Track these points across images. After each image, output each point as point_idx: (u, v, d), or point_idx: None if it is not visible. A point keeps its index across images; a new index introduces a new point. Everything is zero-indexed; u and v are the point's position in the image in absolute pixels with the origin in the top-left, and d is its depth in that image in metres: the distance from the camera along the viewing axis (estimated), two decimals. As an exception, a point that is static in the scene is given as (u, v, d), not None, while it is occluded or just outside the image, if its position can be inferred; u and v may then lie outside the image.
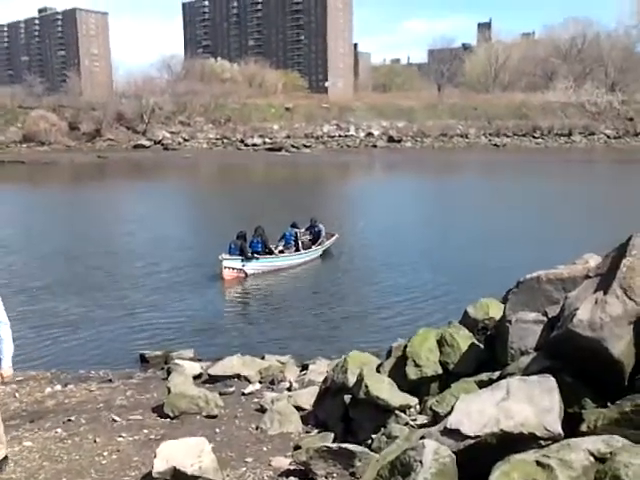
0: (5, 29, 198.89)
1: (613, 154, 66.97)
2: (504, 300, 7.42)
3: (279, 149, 74.02)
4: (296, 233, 17.78)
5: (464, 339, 5.49)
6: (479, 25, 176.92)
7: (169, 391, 7.06)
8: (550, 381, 3.76)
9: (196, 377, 9.45)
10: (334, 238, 18.96)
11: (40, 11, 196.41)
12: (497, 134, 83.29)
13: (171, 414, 6.73)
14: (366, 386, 5.26)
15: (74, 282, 15.62)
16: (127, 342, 11.55)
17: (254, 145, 78.07)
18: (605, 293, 3.93)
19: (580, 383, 3.89)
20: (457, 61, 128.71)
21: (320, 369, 9.14)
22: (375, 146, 79.40)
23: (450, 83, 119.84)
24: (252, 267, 16.13)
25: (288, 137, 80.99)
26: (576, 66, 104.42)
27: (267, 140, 79.48)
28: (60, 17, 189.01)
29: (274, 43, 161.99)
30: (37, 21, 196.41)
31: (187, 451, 4.73)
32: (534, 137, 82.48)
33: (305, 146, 77.71)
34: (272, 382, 8.95)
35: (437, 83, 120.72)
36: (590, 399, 3.83)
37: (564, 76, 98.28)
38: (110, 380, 9.08)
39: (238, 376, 9.03)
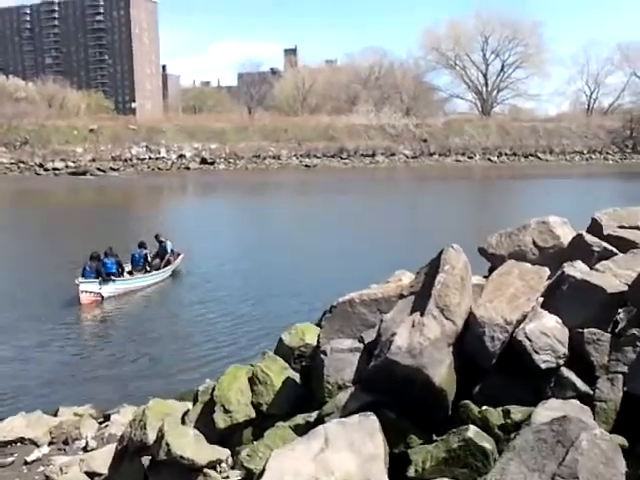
0: None
1: (412, 172, 72.82)
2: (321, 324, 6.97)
3: (84, 173, 68.88)
4: (146, 254, 17.44)
5: (277, 374, 4.88)
6: (285, 51, 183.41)
7: None
8: (371, 421, 3.30)
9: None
10: (181, 257, 18.64)
11: None
12: (308, 155, 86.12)
13: None
14: (167, 444, 4.41)
15: None
16: None
17: (55, 169, 71.80)
18: (422, 314, 3.60)
19: (404, 418, 3.49)
20: (266, 85, 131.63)
21: (124, 420, 7.99)
22: (188, 168, 77.57)
23: (260, 106, 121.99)
24: (108, 290, 15.55)
25: (93, 160, 75.83)
26: (375, 92, 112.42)
27: (70, 164, 73.61)
28: None
29: (75, 62, 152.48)
30: None
31: None
32: (342, 158, 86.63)
33: (112, 169, 73.30)
34: (65, 442, 7.64)
35: (247, 106, 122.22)
36: (416, 435, 3.44)
37: (365, 100, 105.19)
38: None
39: (22, 440, 7.59)
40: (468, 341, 3.73)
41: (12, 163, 73.18)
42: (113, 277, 15.80)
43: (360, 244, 23.36)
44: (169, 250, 18.25)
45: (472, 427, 3.32)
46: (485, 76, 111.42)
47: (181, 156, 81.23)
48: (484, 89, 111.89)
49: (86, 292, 14.98)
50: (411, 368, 3.41)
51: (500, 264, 4.85)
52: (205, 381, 5.59)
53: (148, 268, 17.42)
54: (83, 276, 15.23)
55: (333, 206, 38.84)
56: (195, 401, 5.23)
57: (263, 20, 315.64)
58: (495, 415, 3.51)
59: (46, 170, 71.70)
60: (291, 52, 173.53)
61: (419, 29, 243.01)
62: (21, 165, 73.03)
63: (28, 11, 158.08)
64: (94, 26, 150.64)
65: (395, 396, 3.56)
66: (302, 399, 4.62)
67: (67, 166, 72.76)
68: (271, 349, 6.36)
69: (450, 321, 3.57)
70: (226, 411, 4.67)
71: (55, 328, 13.45)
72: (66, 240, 26.28)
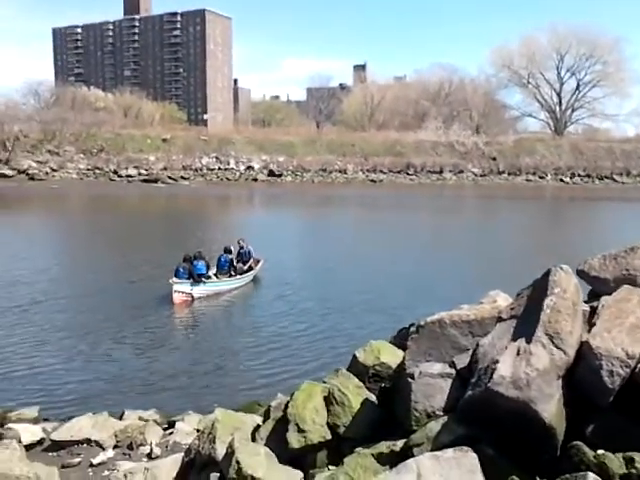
0: None
1: (481, 190, 71.23)
2: (396, 342, 6.64)
3: (155, 180, 71.00)
4: (231, 259, 18.07)
5: (355, 395, 4.57)
6: (355, 67, 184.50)
7: (-15, 474, 5.53)
8: (470, 457, 2.94)
9: (35, 445, 7.85)
10: (261, 263, 19.19)
11: None
12: (374, 170, 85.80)
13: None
14: (238, 462, 4.18)
15: None
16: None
17: (128, 176, 74.40)
18: (528, 341, 3.21)
19: (504, 456, 3.11)
20: (335, 100, 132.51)
21: (189, 428, 7.87)
22: (256, 179, 78.72)
23: (328, 121, 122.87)
24: (199, 291, 16.16)
25: (165, 169, 78.18)
26: (444, 109, 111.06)
27: (143, 171, 76.15)
28: None
29: (151, 74, 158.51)
30: None
31: None
32: (408, 174, 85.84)
33: (183, 178, 75.29)
34: (130, 446, 7.56)
35: (316, 120, 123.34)
36: (518, 477, 3.05)
37: (434, 117, 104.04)
38: None
39: (88, 441, 7.56)
40: (581, 374, 3.30)
41: (89, 169, 76.37)
42: (203, 279, 16.47)
43: (437, 262, 22.63)
44: (251, 256, 18.93)
45: (591, 475, 2.89)
46: (559, 95, 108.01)
47: (249, 167, 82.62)
48: (557, 108, 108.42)
49: (179, 292, 15.61)
50: (517, 401, 3.03)
51: (604, 288, 4.40)
52: (277, 396, 5.35)
53: (232, 272, 18.05)
54: (176, 277, 15.89)
55: (404, 221, 38.22)
56: (266, 417, 4.98)
57: (332, 36, 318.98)
58: (616, 462, 3.06)
59: (120, 177, 74.40)
60: (360, 68, 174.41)
61: (490, 45, 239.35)
62: (97, 171, 76.07)
63: (111, 27, 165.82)
64: (171, 41, 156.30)
65: (494, 431, 3.18)
66: (382, 423, 4.29)
67: (140, 173, 75.25)
68: (344, 365, 6.08)
69: (561, 350, 3.17)
70: (300, 430, 4.39)
71: (136, 329, 13.59)
72: (145, 244, 27.16)
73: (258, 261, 19.22)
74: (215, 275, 17.65)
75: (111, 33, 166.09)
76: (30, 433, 7.93)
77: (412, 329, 4.44)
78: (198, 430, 6.09)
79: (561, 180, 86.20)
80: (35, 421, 8.94)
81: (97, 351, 12.06)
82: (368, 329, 11.91)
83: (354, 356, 6.32)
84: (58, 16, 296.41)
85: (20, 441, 7.78)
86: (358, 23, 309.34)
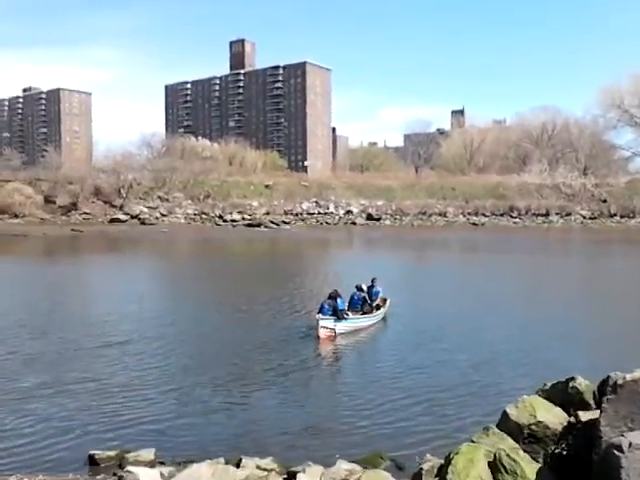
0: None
1: (591, 234, 67.15)
2: (551, 398, 5.89)
3: (258, 225, 73.07)
4: (364, 297, 18.42)
5: (527, 462, 3.91)
6: (453, 112, 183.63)
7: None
8: None
9: (155, 490, 7.63)
10: (388, 302, 19.41)
11: (25, 90, 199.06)
12: (475, 213, 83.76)
13: None
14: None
15: (31, 359, 13.64)
16: (76, 436, 9.59)
17: (233, 221, 77.12)
18: None
19: None
20: (433, 145, 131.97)
21: (311, 481, 7.35)
22: (354, 223, 79.05)
23: (426, 165, 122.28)
24: (342, 327, 16.62)
25: (267, 213, 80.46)
26: (547, 151, 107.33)
27: (246, 216, 78.73)
28: (44, 96, 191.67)
29: (254, 125, 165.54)
30: (21, 99, 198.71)
31: None
32: (512, 216, 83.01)
33: (284, 222, 77.00)
34: (251, 499, 7.16)
35: (414, 164, 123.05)
36: None
37: (538, 160, 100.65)
38: (46, 494, 7.20)
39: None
40: None
41: (195, 214, 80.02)
42: (345, 315, 16.82)
43: (571, 312, 20.83)
44: (379, 294, 19.41)
45: None
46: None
47: (348, 212, 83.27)
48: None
49: (325, 327, 16.06)
50: None
51: None
52: (425, 456, 4.76)
53: (364, 310, 18.32)
54: (321, 313, 16.32)
55: (522, 266, 36.26)
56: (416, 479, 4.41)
57: (428, 83, 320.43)
58: None
59: (225, 221, 77.28)
60: (458, 113, 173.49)
61: (593, 86, 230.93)
62: (203, 216, 79.52)
63: (217, 82, 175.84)
64: (273, 92, 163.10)
65: None
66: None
67: (244, 218, 77.84)
68: (486, 423, 5.40)
69: None
70: (464, 501, 3.80)
71: (255, 369, 13.33)
72: (253, 285, 27.53)
73: (385, 300, 19.53)
74: (346, 313, 17.83)
75: (217, 87, 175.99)
76: (150, 478, 7.73)
77: (608, 389, 3.74)
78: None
79: (681, 222, 80.00)
80: (151, 464, 8.76)
81: (215, 393, 11.85)
82: (510, 382, 10.77)
83: (505, 413, 5.63)
84: (170, 73, 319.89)
85: (139, 485, 7.62)
86: (454, 69, 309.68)
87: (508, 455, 3.92)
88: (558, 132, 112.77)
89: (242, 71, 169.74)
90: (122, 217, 75.19)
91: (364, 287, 18.87)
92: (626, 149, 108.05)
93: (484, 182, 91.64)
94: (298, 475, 7.74)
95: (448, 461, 4.13)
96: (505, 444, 4.67)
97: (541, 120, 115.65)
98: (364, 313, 18.11)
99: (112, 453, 9.00)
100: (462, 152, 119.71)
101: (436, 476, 4.17)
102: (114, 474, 8.40)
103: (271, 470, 8.10)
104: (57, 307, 21.20)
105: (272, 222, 75.15)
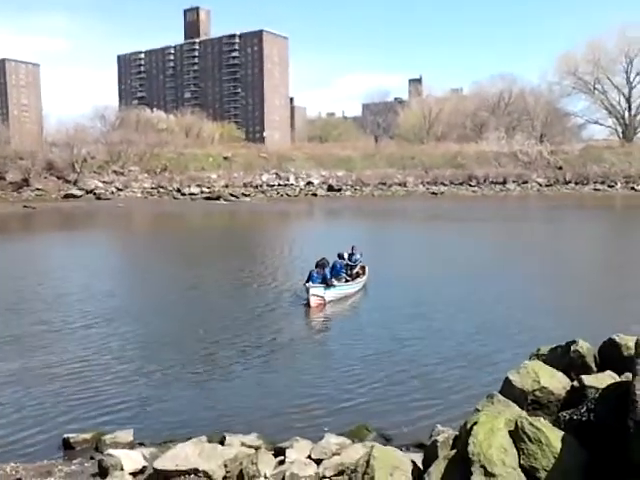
0: None
1: (548, 200, 68.50)
2: (552, 363, 5.77)
3: (217, 198, 71.84)
4: (346, 264, 18.67)
5: (550, 430, 3.73)
6: (410, 81, 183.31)
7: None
8: None
9: (138, 474, 7.31)
10: (367, 269, 19.51)
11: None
12: (435, 183, 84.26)
13: None
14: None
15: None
16: (48, 420, 9.18)
17: (191, 194, 75.64)
18: None
19: None
20: (392, 114, 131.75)
21: (300, 456, 7.13)
22: (315, 195, 78.63)
23: (385, 135, 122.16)
24: (330, 294, 16.77)
25: (226, 186, 79.16)
26: (504, 119, 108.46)
27: (205, 189, 77.32)
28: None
29: (210, 95, 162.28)
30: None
31: None
32: (470, 185, 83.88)
33: (244, 195, 76.00)
34: (241, 478, 6.90)
35: (374, 134, 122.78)
36: None
37: (494, 128, 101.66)
38: (20, 480, 6.84)
39: (195, 471, 6.94)
40: None
41: (153, 188, 78.12)
42: (333, 283, 16.89)
43: (545, 277, 20.95)
44: (359, 262, 19.53)
45: None
46: (628, 100, 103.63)
47: (309, 183, 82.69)
48: (627, 114, 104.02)
49: (315, 295, 16.17)
50: None
51: None
52: (436, 427, 4.56)
53: (347, 277, 18.56)
54: (310, 281, 16.38)
55: (484, 233, 36.63)
56: (432, 454, 4.19)
57: (386, 52, 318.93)
58: None
59: (183, 195, 75.73)
60: (416, 82, 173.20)
61: (549, 54, 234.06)
62: (160, 190, 77.69)
63: (172, 51, 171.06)
64: (229, 62, 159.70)
65: None
66: (590, 471, 3.44)
67: (202, 191, 76.42)
68: (484, 390, 5.24)
69: None
70: (488, 474, 3.58)
71: (249, 341, 13.04)
72: (215, 257, 27.22)
73: (364, 267, 19.64)
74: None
75: (172, 57, 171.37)
76: (132, 461, 7.38)
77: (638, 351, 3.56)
78: (342, 465, 5.33)
79: (632, 188, 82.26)
80: (131, 445, 8.42)
81: (193, 370, 11.48)
82: (503, 348, 10.58)
83: (507, 379, 5.49)
84: (122, 44, 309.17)
85: (122, 468, 7.28)
86: (411, 37, 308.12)
87: (531, 423, 3.74)
88: (514, 100, 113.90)
89: (197, 40, 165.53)
90: (77, 192, 72.79)
91: (345, 255, 18.94)
92: (580, 116, 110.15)
93: (443, 151, 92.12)
94: (287, 450, 7.53)
95: (467, 432, 3.92)
96: (512, 411, 4.50)
97: (498, 88, 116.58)
98: (347, 281, 18.28)
99: (87, 436, 8.63)
100: (421, 121, 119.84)
101: (452, 448, 3.97)
102: (91, 457, 8.04)
103: (258, 447, 7.87)
104: (13, 287, 20.22)
105: (232, 195, 74.04)
